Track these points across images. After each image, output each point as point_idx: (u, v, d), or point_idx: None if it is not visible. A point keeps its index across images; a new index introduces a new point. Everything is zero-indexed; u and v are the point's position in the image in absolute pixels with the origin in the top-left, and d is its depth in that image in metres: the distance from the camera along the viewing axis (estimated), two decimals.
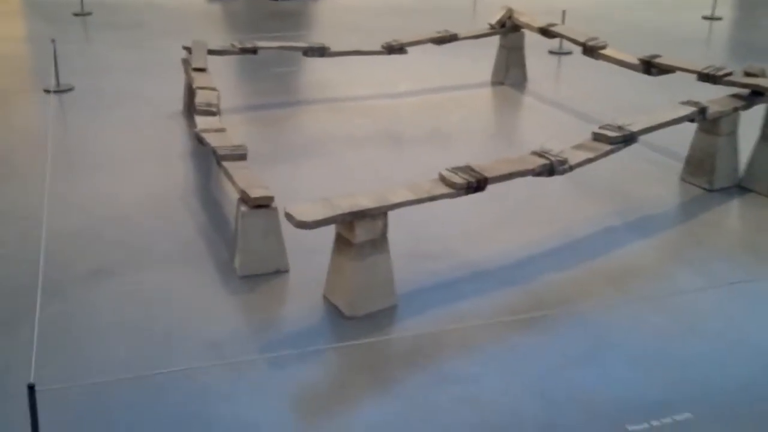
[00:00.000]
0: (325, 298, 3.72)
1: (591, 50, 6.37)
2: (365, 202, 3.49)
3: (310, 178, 5.12)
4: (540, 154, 4.12)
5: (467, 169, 3.87)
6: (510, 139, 6.19)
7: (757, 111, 5.06)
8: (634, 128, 4.45)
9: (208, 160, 5.40)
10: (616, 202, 4.88)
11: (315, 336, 3.47)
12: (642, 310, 3.70)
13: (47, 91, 6.64)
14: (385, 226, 3.56)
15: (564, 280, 3.96)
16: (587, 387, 3.16)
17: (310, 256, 4.03)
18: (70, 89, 6.81)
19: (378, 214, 3.50)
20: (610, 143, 4.35)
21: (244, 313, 3.64)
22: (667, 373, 3.25)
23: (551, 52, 8.71)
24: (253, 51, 6.43)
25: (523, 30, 7.34)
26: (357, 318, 3.56)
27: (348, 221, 3.44)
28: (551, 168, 4.05)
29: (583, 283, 3.95)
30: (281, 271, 3.95)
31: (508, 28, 7.30)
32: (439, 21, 10.22)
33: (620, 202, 4.88)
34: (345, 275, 3.57)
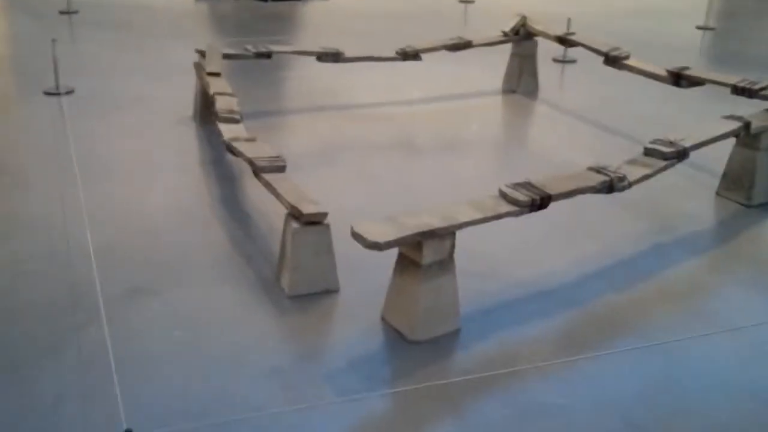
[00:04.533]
0: (383, 320, 3.52)
1: (614, 60, 6.26)
2: (433, 221, 3.30)
3: (339, 187, 4.91)
4: (598, 170, 3.97)
5: (527, 185, 3.71)
6: (531, 149, 6.04)
7: None
8: (686, 144, 4.34)
9: (230, 168, 5.18)
10: (657, 217, 4.76)
11: (379, 362, 3.27)
12: (711, 334, 3.57)
13: (48, 94, 6.32)
14: (453, 246, 3.38)
15: (624, 301, 3.82)
16: (675, 413, 3.01)
17: (358, 274, 3.83)
18: (71, 92, 6.50)
19: (446, 234, 3.32)
20: (665, 159, 4.23)
21: (300, 336, 3.42)
22: (752, 401, 3.13)
23: (555, 60, 8.63)
24: (268, 55, 6.20)
25: (536, 38, 7.23)
26: (420, 342, 3.37)
27: (416, 241, 3.25)
28: (611, 185, 3.91)
29: (642, 303, 3.81)
30: (331, 291, 3.74)
31: (522, 35, 7.17)
32: (431, 26, 10.13)
33: (661, 217, 4.77)
34: (409, 297, 3.37)
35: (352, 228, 3.22)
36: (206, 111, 5.97)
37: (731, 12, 12.65)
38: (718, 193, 5.13)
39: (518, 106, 7.06)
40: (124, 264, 3.90)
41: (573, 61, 8.69)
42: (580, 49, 6.96)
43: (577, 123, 6.58)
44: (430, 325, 3.40)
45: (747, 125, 4.71)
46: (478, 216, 3.43)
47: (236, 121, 4.92)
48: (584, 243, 4.40)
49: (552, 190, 3.68)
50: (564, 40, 6.82)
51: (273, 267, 3.90)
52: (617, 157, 5.78)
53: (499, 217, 3.51)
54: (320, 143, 5.79)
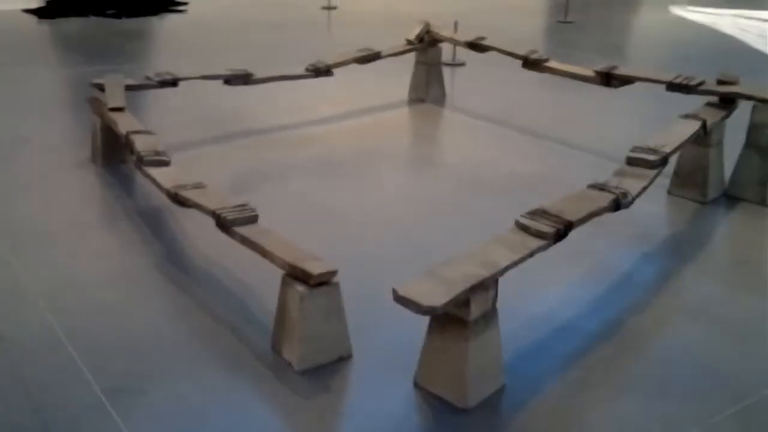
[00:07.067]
0: (417, 387, 3.09)
1: (534, 63, 6.12)
2: (476, 270, 2.91)
3: (297, 226, 4.33)
4: (600, 188, 3.74)
5: (542, 213, 3.40)
6: (472, 161, 5.73)
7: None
8: (666, 150, 4.21)
9: (161, 218, 4.53)
10: (624, 224, 4.59)
11: None
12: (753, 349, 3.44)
13: None
14: (496, 295, 3.01)
15: (646, 323, 3.61)
16: None
17: (363, 333, 3.36)
18: None
19: (492, 283, 2.94)
20: (651, 167, 4.07)
21: (336, 423, 2.92)
22: None
23: (445, 64, 8.44)
24: (174, 83, 5.53)
25: (440, 45, 6.99)
26: (472, 409, 2.97)
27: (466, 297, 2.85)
28: (618, 202, 3.69)
29: (666, 322, 3.61)
30: (344, 358, 3.26)
31: (427, 43, 6.91)
32: (300, 36, 9.69)
33: (629, 223, 4.61)
34: (454, 359, 2.96)
35: (395, 291, 2.76)
36: (110, 152, 5.24)
37: (585, 5, 13.12)
38: (669, 192, 5.10)
39: (434, 116, 6.79)
40: (87, 358, 3.19)
41: (462, 65, 8.57)
42: (466, 52, 6.86)
43: (500, 129, 6.40)
44: (479, 388, 3.01)
45: (704, 123, 4.67)
46: (515, 257, 3.08)
47: (166, 164, 4.30)
48: (575, 262, 4.17)
49: (571, 217, 3.40)
50: (475, 46, 6.60)
51: (264, 336, 3.35)
52: (558, 163, 5.67)
53: (532, 254, 3.18)
54: (248, 176, 5.21)
